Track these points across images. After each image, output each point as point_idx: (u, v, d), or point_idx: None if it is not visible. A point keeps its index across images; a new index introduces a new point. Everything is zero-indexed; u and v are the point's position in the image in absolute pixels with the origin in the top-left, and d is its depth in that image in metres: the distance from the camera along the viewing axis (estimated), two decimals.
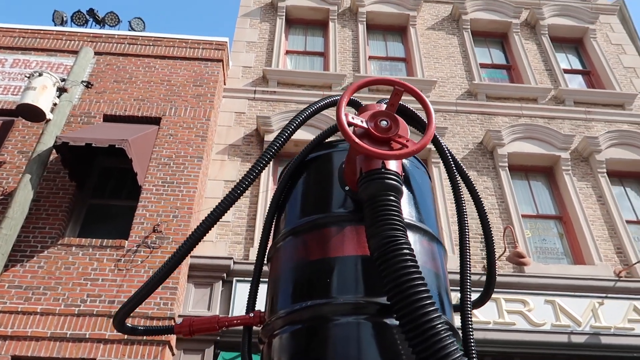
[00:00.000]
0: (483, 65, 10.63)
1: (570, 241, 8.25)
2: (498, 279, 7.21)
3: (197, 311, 6.64)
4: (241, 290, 6.88)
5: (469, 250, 1.61)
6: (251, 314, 1.69)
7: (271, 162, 8.01)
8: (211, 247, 7.32)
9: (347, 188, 1.57)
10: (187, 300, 6.73)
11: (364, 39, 10.53)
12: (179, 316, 6.38)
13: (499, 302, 7.14)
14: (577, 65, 11.05)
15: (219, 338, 6.49)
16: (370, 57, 10.48)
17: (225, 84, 9.29)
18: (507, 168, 8.71)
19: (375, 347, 1.31)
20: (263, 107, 9.14)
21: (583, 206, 8.33)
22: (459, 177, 1.70)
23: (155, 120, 7.93)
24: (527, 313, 7.10)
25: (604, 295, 7.33)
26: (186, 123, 7.89)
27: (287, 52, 10.43)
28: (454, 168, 1.68)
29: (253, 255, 7.24)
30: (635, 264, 7.65)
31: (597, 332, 6.96)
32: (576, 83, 10.62)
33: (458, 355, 1.06)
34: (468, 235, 1.63)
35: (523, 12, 11.43)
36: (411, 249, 1.24)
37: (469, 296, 1.54)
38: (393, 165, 1.41)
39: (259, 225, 7.58)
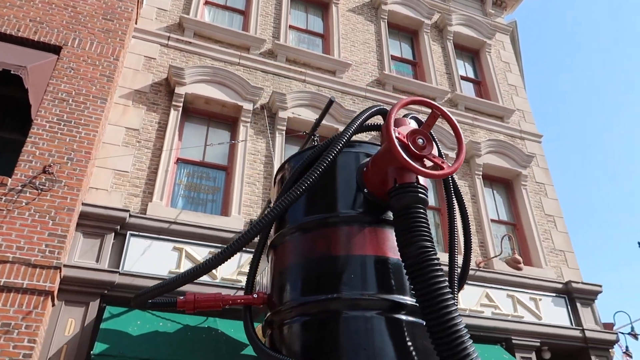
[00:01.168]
0: (394, 57, 11.19)
1: (444, 233, 9.24)
2: None
3: (84, 262, 6.26)
4: (135, 246, 6.62)
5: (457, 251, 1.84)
6: (255, 295, 1.77)
7: (179, 116, 7.69)
8: (105, 197, 6.89)
9: (365, 190, 1.70)
10: (73, 249, 6.30)
11: (287, 7, 10.41)
12: (65, 266, 5.97)
13: None
14: (471, 74, 12.16)
15: (106, 292, 6.22)
16: (291, 27, 10.42)
17: (136, 24, 8.60)
18: None
19: (389, 340, 1.48)
20: (176, 57, 8.66)
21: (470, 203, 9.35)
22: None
23: (54, 49, 7.11)
24: None
25: (467, 282, 8.39)
26: (91, 59, 7.20)
27: (207, 3, 9.92)
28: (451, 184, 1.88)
29: (152, 211, 6.98)
30: (493, 257, 8.86)
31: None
32: (468, 90, 11.71)
33: (476, 355, 1.27)
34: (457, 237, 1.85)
35: (435, 15, 12.18)
36: (439, 260, 1.43)
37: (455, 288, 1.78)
38: (422, 180, 1.58)
39: (160, 181, 7.29)
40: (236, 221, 7.43)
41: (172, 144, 7.72)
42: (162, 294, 1.68)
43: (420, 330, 1.55)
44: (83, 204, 6.49)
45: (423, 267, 1.42)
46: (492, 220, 9.73)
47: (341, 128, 8.91)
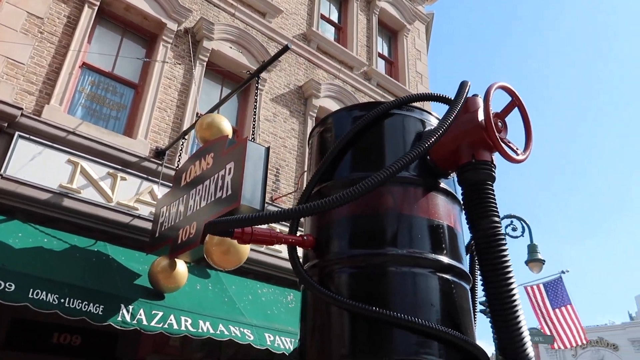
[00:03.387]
0: (323, 17, 11.11)
1: None
2: None
3: None
4: (23, 149, 5.83)
5: None
6: (305, 237, 1.75)
7: (93, 15, 6.85)
8: None
9: (428, 157, 1.77)
10: None
11: None
12: None
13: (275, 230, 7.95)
14: (386, 53, 12.61)
15: None
16: None
17: None
18: (314, 118, 9.53)
19: (437, 297, 1.60)
20: None
21: None
22: None
23: None
24: None
25: None
26: None
27: None
28: None
29: (48, 115, 6.17)
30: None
31: None
32: (381, 68, 12.15)
33: (529, 341, 1.45)
34: None
35: None
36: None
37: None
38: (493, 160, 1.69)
39: (61, 84, 6.44)
40: (141, 145, 6.92)
41: (82, 45, 6.84)
42: (249, 225, 1.57)
43: (464, 292, 1.70)
44: None
45: (495, 241, 1.55)
46: None
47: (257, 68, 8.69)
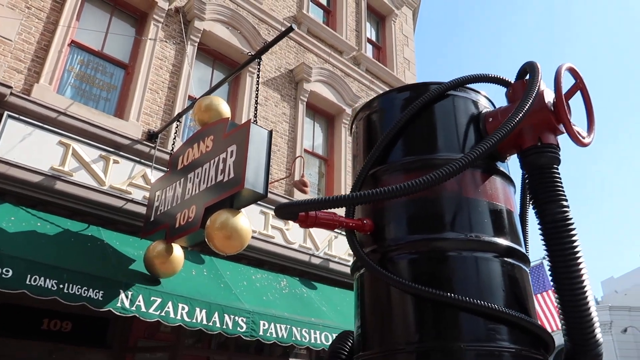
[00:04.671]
0: (313, 0, 10.95)
1: (328, 182, 9.67)
2: (275, 197, 7.95)
3: None
4: (13, 130, 5.60)
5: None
6: (365, 221, 1.71)
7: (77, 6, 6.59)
8: None
9: None
10: None
11: None
12: None
13: (267, 216, 7.91)
14: (374, 38, 12.55)
15: None
16: None
17: None
18: (305, 102, 9.45)
19: (500, 280, 1.59)
20: None
21: (348, 157, 9.83)
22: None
23: None
24: (285, 231, 8.11)
25: (340, 232, 8.96)
26: None
27: None
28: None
29: (38, 94, 5.94)
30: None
31: (329, 258, 8.54)
32: (369, 53, 12.09)
33: (600, 334, 1.46)
34: None
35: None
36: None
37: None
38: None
39: (51, 62, 6.20)
40: (133, 127, 6.74)
41: (70, 21, 6.57)
42: (321, 209, 1.52)
43: (527, 275, 1.70)
44: None
45: (565, 226, 1.54)
46: None
47: (248, 50, 8.54)
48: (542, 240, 1.59)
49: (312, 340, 6.60)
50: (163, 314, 5.30)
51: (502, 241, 1.64)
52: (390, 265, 1.65)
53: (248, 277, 7.17)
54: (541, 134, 1.64)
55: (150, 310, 5.18)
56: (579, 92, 1.71)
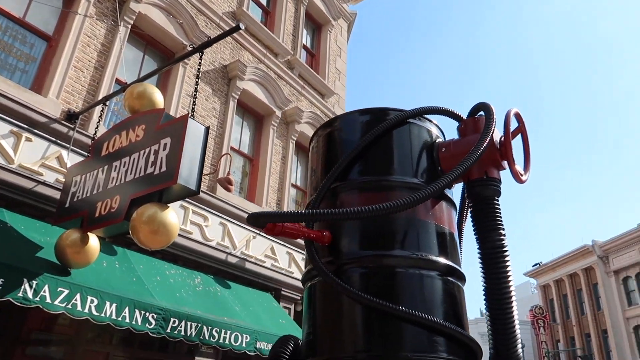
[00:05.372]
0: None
1: (251, 181, 9.64)
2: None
3: None
4: None
5: None
6: (324, 233, 1.80)
7: None
8: None
9: (439, 168, 1.92)
10: None
11: None
12: None
13: (187, 211, 7.74)
14: (309, 45, 12.73)
15: None
16: None
17: None
18: (237, 100, 9.36)
19: (442, 297, 1.76)
20: None
21: (273, 158, 9.87)
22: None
23: None
24: (204, 228, 7.98)
25: (258, 232, 8.98)
26: None
27: None
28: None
29: None
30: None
31: (245, 258, 8.52)
32: (304, 59, 12.25)
33: (520, 352, 1.68)
34: None
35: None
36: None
37: None
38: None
39: None
40: (52, 104, 6.30)
41: None
42: (294, 221, 1.57)
43: (462, 292, 1.89)
44: None
45: (501, 253, 1.75)
46: (293, 185, 10.56)
47: (187, 44, 8.35)
48: (480, 262, 1.78)
49: (221, 340, 6.56)
50: (69, 306, 5.01)
51: (445, 261, 1.81)
52: (344, 277, 1.75)
53: (162, 272, 6.97)
54: (487, 168, 1.84)
55: (56, 302, 4.88)
56: (519, 135, 1.94)
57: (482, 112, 1.94)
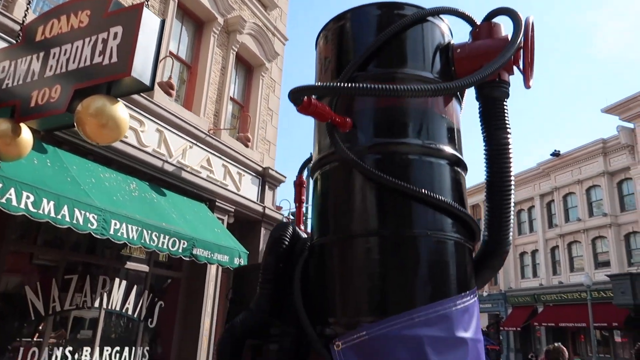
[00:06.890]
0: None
1: (189, 89, 9.23)
2: (131, 96, 7.36)
3: None
4: None
5: None
6: (347, 119, 1.84)
7: None
8: None
9: (453, 68, 1.99)
10: None
11: None
12: None
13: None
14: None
15: None
16: None
17: None
18: (177, 0, 8.68)
19: (450, 184, 1.91)
20: None
21: (212, 68, 9.46)
22: None
23: None
24: (140, 133, 7.64)
25: (195, 142, 8.76)
26: None
27: None
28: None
29: None
30: (222, 129, 9.48)
31: (182, 167, 8.35)
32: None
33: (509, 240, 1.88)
34: None
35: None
36: None
37: None
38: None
39: None
40: None
41: None
42: (334, 94, 1.56)
43: (464, 181, 2.06)
44: None
45: (508, 150, 1.91)
46: (231, 98, 10.27)
47: None
48: (485, 158, 1.93)
49: (160, 245, 6.57)
50: (4, 200, 4.72)
51: (453, 151, 1.94)
52: (363, 161, 1.84)
53: (96, 175, 6.67)
54: (500, 70, 1.95)
55: None
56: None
57: (495, 19, 2.03)
